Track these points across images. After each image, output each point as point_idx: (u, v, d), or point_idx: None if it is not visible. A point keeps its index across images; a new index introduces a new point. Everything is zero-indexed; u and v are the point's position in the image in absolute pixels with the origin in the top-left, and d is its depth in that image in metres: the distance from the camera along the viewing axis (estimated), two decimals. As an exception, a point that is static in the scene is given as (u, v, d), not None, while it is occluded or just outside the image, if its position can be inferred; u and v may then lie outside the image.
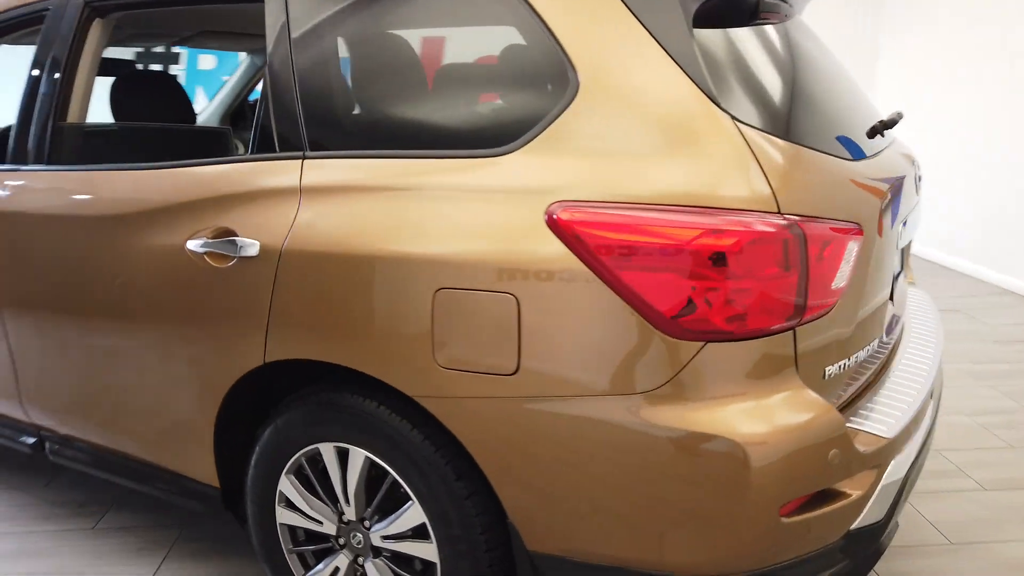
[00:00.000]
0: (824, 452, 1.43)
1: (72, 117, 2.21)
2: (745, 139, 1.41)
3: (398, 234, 1.57)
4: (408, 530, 1.73)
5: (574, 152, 1.45)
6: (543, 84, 1.52)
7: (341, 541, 1.86)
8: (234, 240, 1.75)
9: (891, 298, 1.89)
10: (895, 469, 1.57)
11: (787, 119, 1.52)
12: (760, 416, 1.39)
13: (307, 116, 1.76)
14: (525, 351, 1.46)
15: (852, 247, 1.49)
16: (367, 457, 1.73)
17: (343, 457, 1.78)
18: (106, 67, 2.94)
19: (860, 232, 1.52)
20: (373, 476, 1.77)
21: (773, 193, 1.39)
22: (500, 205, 1.48)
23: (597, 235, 1.38)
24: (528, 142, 1.49)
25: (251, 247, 1.74)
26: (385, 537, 1.78)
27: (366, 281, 1.60)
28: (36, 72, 2.25)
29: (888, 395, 1.73)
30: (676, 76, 1.43)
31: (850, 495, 1.50)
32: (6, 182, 2.23)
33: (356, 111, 1.76)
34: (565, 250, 1.40)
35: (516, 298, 1.45)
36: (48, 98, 2.21)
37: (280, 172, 1.76)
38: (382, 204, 1.61)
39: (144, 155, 2.06)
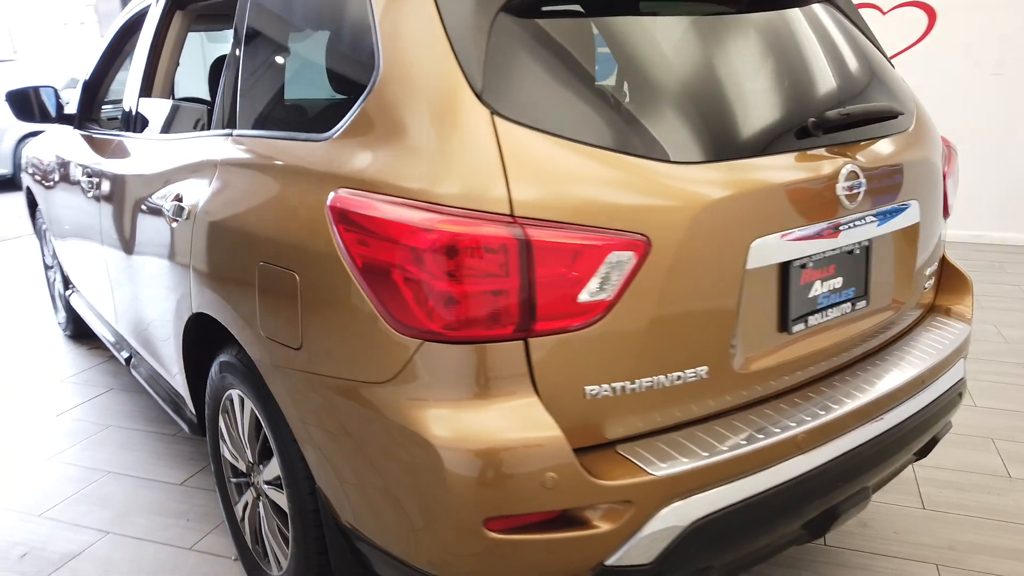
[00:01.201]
0: (538, 473, 1.34)
1: (154, 94, 2.69)
2: (497, 137, 1.35)
3: (247, 208, 1.75)
4: (273, 478, 1.92)
5: (370, 140, 1.49)
6: (362, 74, 1.58)
7: (251, 479, 2.11)
8: (181, 204, 2.07)
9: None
10: (675, 513, 1.41)
11: (576, 118, 1.41)
12: (466, 423, 1.34)
13: (237, 100, 2.00)
14: (304, 329, 1.56)
15: (618, 259, 1.35)
16: (252, 408, 1.94)
17: (243, 405, 2.02)
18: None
19: (640, 244, 1.36)
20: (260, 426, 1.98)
21: (509, 195, 1.32)
22: (308, 186, 1.58)
23: (347, 225, 1.43)
24: (340, 129, 1.57)
25: (184, 211, 2.04)
26: (265, 482, 1.99)
27: (230, 249, 1.80)
28: (136, 57, 2.77)
29: (723, 433, 1.52)
30: (451, 69, 1.41)
31: (598, 528, 1.39)
32: (88, 146, 2.80)
33: (259, 98, 1.95)
34: (331, 236, 1.48)
35: (297, 277, 1.56)
36: (137, 78, 2.71)
37: (214, 147, 2.03)
38: (246, 180, 1.80)
39: (191, 127, 2.44)
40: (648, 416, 1.48)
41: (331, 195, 1.48)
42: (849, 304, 1.77)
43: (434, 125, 1.39)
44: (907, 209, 1.83)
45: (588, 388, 1.40)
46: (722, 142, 1.51)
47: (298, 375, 1.61)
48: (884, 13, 6.03)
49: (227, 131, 1.99)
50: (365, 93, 1.52)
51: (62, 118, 3.31)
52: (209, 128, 2.12)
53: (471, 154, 1.34)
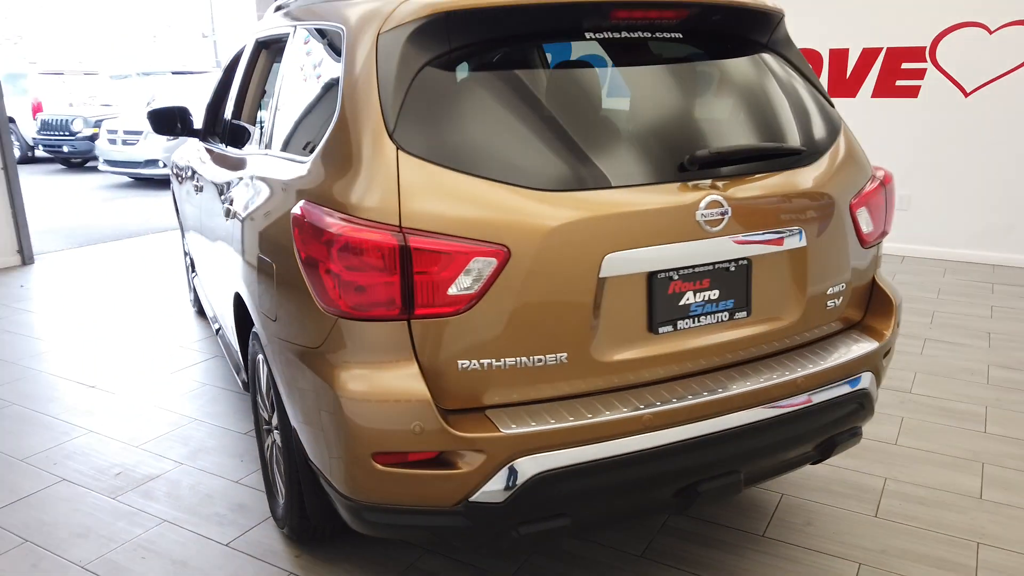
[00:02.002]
0: (407, 422, 1.77)
1: (241, 116, 3.35)
2: (398, 167, 1.80)
3: (256, 209, 2.30)
4: (276, 424, 2.47)
5: (327, 164, 1.98)
6: (330, 113, 2.07)
7: (273, 424, 2.67)
8: (231, 206, 2.67)
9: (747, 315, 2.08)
10: (522, 465, 1.79)
11: (466, 154, 1.82)
12: (361, 381, 1.80)
13: (272, 126, 2.57)
14: (277, 305, 2.09)
15: (479, 263, 1.76)
16: (269, 369, 2.50)
17: (264, 366, 2.58)
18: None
19: (500, 252, 1.76)
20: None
21: (399, 211, 1.77)
22: (290, 196, 2.09)
23: (299, 228, 1.93)
24: (315, 154, 2.07)
25: (231, 211, 2.64)
26: (274, 427, 2.54)
27: (247, 242, 2.36)
28: (234, 84, 3.45)
29: (589, 410, 1.87)
30: (376, 114, 1.87)
31: (460, 470, 1.80)
32: (203, 155, 3.50)
33: (280, 125, 2.51)
34: (291, 233, 1.98)
35: (275, 266, 2.08)
36: (232, 102, 3.38)
37: (253, 161, 2.62)
38: (262, 188, 2.36)
39: (248, 144, 3.06)
40: (516, 389, 1.87)
41: (298, 204, 1.98)
42: (726, 314, 2.06)
43: (360, 155, 1.86)
44: (788, 235, 2.09)
45: (460, 362, 1.82)
46: (585, 174, 1.87)
47: (275, 340, 2.14)
48: (991, 32, 5.85)
49: (264, 150, 2.56)
50: (330, 127, 2.01)
51: (191, 132, 4.08)
52: (258, 147, 2.71)
53: (378, 178, 1.80)
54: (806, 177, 2.15)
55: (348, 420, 1.81)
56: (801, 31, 6.46)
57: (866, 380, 2.25)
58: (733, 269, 2.05)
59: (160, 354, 4.47)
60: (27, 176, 13.56)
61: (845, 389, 2.19)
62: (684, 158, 1.96)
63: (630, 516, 2.07)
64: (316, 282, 1.85)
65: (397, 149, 1.82)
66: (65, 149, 14.20)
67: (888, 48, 6.19)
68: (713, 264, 2.01)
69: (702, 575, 2.43)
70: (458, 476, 1.80)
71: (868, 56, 6.27)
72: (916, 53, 6.09)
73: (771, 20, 2.32)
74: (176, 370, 4.20)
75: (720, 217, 1.96)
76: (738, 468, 2.07)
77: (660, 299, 1.97)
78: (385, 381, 1.80)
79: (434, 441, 1.78)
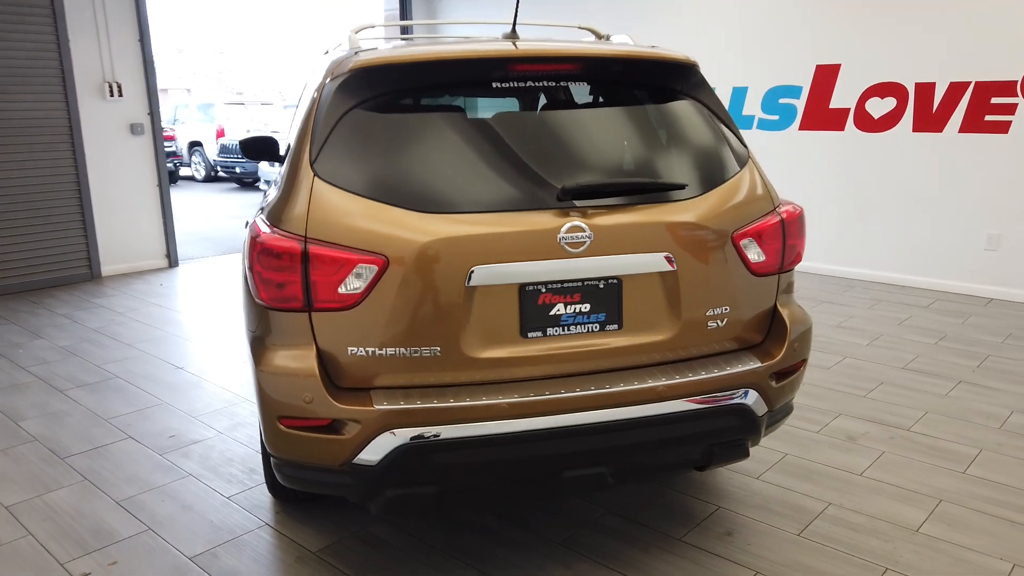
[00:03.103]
0: (300, 394, 2.21)
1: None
2: (312, 189, 2.27)
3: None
4: None
5: (280, 185, 2.49)
6: (288, 144, 2.59)
7: None
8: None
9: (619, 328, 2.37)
10: (391, 437, 2.18)
11: (365, 182, 2.25)
12: (273, 359, 2.27)
13: (285, 150, 3.14)
14: (244, 300, 2.62)
15: (362, 269, 2.18)
16: None
17: None
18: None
19: (379, 260, 2.18)
20: None
21: (307, 224, 2.23)
22: (258, 212, 2.63)
23: (250, 236, 2.44)
24: (279, 177, 2.59)
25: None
26: None
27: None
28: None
29: (465, 397, 2.24)
30: (306, 146, 2.35)
31: (344, 436, 2.22)
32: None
33: (286, 150, 3.05)
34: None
35: (245, 270, 2.62)
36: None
37: (273, 174, 3.19)
38: (262, 200, 2.91)
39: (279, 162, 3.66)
40: (398, 374, 2.27)
41: (252, 218, 2.50)
42: (597, 325, 2.36)
43: (293, 180, 2.35)
44: (656, 260, 2.35)
45: (350, 349, 2.25)
46: (460, 200, 2.25)
47: (246, 327, 2.67)
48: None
49: (279, 168, 3.13)
50: (287, 157, 2.53)
51: (277, 158, 4.79)
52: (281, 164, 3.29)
53: (298, 199, 2.28)
54: (684, 209, 2.40)
55: (262, 389, 2.29)
56: (885, 65, 6.38)
57: (747, 397, 2.45)
58: (603, 286, 2.34)
59: (241, 345, 5.21)
60: (205, 192, 15.46)
61: (718, 402, 2.40)
62: (559, 189, 2.30)
63: (501, 495, 2.40)
64: (252, 279, 2.35)
65: (314, 176, 2.29)
66: (237, 170, 16.07)
67: (977, 82, 5.98)
68: (582, 281, 2.32)
69: (610, 567, 2.69)
70: (342, 441, 2.23)
71: (956, 90, 6.08)
72: (1007, 87, 5.85)
73: (680, 69, 2.60)
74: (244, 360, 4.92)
75: (582, 240, 2.27)
76: (604, 462, 2.35)
77: (530, 308, 2.30)
78: (288, 360, 2.27)
79: (320, 410, 2.22)
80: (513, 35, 2.70)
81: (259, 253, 2.27)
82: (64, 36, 6.78)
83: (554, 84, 2.49)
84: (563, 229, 2.27)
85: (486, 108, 2.49)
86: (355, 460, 2.24)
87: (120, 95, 7.19)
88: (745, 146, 2.65)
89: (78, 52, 6.89)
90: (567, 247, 2.27)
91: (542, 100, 2.50)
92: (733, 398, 2.43)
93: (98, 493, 3.25)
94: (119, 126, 7.27)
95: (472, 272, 2.23)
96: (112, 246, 7.40)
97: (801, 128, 6.94)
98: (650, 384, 2.34)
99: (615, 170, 2.43)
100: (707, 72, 7.45)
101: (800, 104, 6.91)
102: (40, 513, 3.09)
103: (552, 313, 2.33)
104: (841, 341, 5.13)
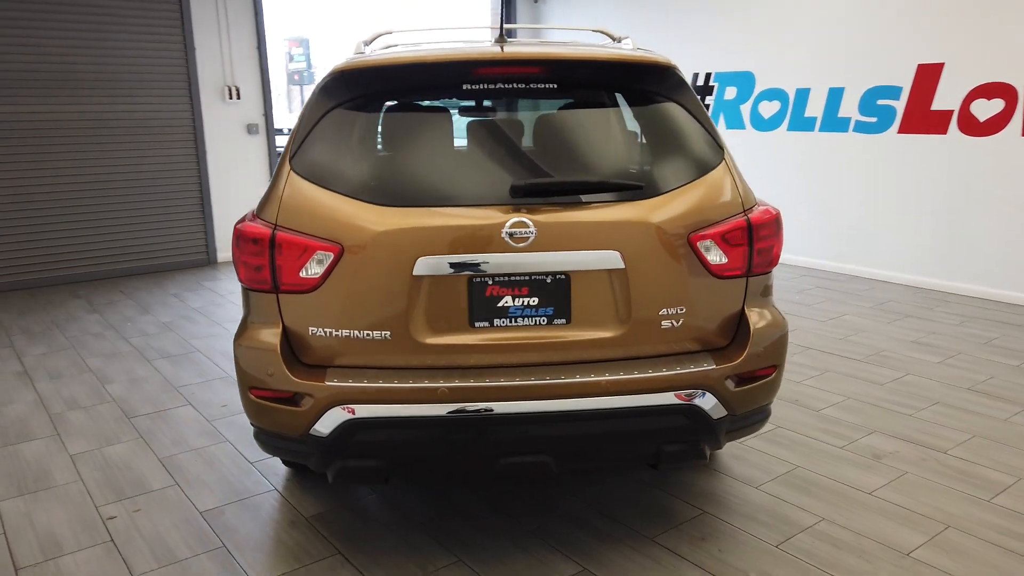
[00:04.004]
0: (264, 367, 2.43)
1: None
2: (286, 182, 2.49)
3: None
4: None
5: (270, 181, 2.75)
6: None
7: None
8: None
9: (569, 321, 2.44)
10: (338, 412, 2.36)
11: (331, 176, 2.44)
12: (247, 335, 2.51)
13: None
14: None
15: (320, 255, 2.37)
16: None
17: None
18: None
19: (335, 248, 2.36)
20: None
21: (277, 213, 2.46)
22: None
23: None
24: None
25: None
26: None
27: None
28: None
29: (409, 379, 2.38)
30: (292, 142, 2.58)
31: (301, 408, 2.43)
32: None
33: None
34: None
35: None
36: None
37: None
38: None
39: None
40: (353, 355, 2.45)
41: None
42: (545, 319, 2.43)
43: (277, 174, 2.58)
44: (602, 257, 2.39)
45: (311, 328, 2.45)
46: (413, 195, 2.39)
47: None
48: None
49: None
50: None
51: None
52: None
53: (276, 191, 2.51)
54: (637, 209, 2.43)
55: (236, 361, 2.54)
56: (992, 64, 5.92)
57: (701, 399, 2.44)
58: (550, 281, 2.42)
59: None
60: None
61: (663, 401, 2.41)
62: (511, 187, 2.39)
63: (445, 475, 2.52)
64: (236, 263, 2.61)
65: (290, 170, 2.51)
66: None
67: (1097, 82, 5.41)
68: (530, 275, 2.41)
69: (571, 558, 2.75)
70: (300, 413, 2.43)
71: (1073, 91, 5.53)
72: None
73: (654, 71, 2.61)
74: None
75: (526, 236, 2.36)
76: (543, 452, 2.42)
77: (478, 299, 2.41)
78: (258, 336, 2.50)
79: (280, 383, 2.43)
80: (502, 39, 2.82)
81: (238, 238, 2.51)
82: (191, 44, 7.51)
83: (523, 86, 2.58)
84: (507, 224, 2.36)
85: (458, 109, 2.63)
86: (311, 431, 2.43)
87: (238, 98, 7.87)
88: (721, 148, 2.63)
89: (203, 58, 7.61)
90: (511, 241, 2.36)
91: (512, 102, 2.60)
92: (682, 398, 2.43)
93: (147, 450, 3.65)
94: (237, 126, 7.95)
95: (418, 262, 2.37)
96: (228, 235, 8.09)
97: (900, 131, 6.53)
98: (593, 378, 2.39)
99: (571, 170, 2.49)
100: (798, 73, 7.18)
101: (900, 106, 6.50)
102: (95, 463, 3.53)
103: (500, 305, 2.43)
104: (909, 357, 4.83)
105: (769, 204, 2.69)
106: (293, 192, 2.48)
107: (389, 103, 2.62)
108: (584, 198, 2.42)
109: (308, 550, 2.82)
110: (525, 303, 2.44)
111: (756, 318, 2.56)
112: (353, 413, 2.37)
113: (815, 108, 7.17)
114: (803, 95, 7.26)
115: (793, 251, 7.50)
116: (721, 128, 7.93)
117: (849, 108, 6.90)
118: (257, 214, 2.53)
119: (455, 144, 2.53)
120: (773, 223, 2.59)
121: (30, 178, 6.92)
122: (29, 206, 6.96)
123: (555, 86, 2.61)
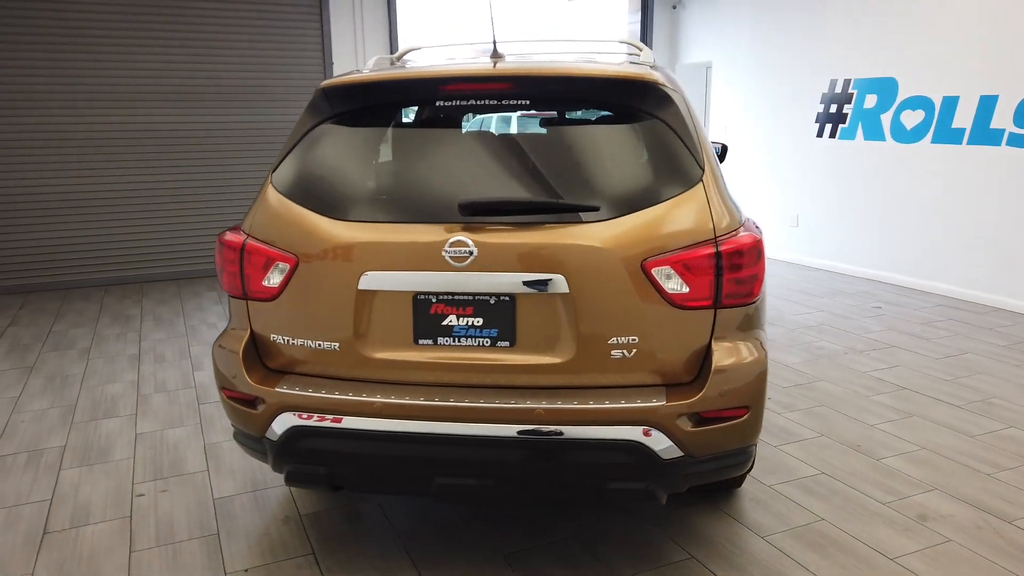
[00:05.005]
0: (229, 370, 2.56)
1: None
2: (265, 196, 2.61)
3: None
4: None
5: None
6: None
7: None
8: None
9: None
10: (285, 417, 2.45)
11: (300, 190, 2.53)
12: (223, 340, 2.65)
13: None
14: None
15: (280, 265, 2.46)
16: None
17: None
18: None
19: (291, 259, 2.44)
20: None
21: (252, 224, 2.59)
22: None
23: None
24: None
25: None
26: None
27: None
28: None
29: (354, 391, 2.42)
30: (279, 157, 2.71)
31: (257, 411, 2.53)
32: None
33: None
34: None
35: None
36: None
37: None
38: None
39: None
40: (309, 363, 2.52)
41: None
42: (488, 340, 2.37)
43: (261, 188, 2.72)
44: (544, 281, 2.28)
45: (272, 335, 2.56)
46: (363, 210, 2.43)
47: None
48: None
49: None
50: None
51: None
52: None
53: (255, 203, 2.65)
54: (585, 232, 2.30)
55: (213, 361, 2.70)
56: None
57: (649, 437, 2.27)
58: (494, 303, 2.35)
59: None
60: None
61: (602, 435, 2.27)
62: (456, 204, 2.36)
63: (384, 487, 2.52)
64: (220, 273, 2.77)
65: (270, 184, 2.64)
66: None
67: None
68: (473, 295, 2.36)
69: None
70: (256, 415, 2.55)
71: None
72: None
73: (633, 87, 2.47)
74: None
75: (466, 255, 2.31)
76: (477, 476, 2.36)
77: (422, 316, 2.40)
78: (228, 339, 2.64)
79: (239, 385, 2.56)
80: (496, 55, 2.78)
81: (219, 246, 2.67)
82: (329, 60, 8.04)
83: (495, 103, 2.53)
84: (447, 244, 2.33)
85: (431, 126, 2.63)
86: (267, 434, 2.54)
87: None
88: (702, 168, 2.43)
89: (340, 72, 8.12)
90: (451, 261, 2.33)
91: (486, 119, 2.56)
92: (628, 436, 2.28)
93: (199, 436, 3.97)
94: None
95: (363, 277, 2.40)
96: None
97: (1060, 146, 5.67)
98: (528, 405, 2.30)
99: (525, 189, 2.41)
100: (946, 79, 6.43)
101: (1060, 117, 5.65)
102: (152, 443, 3.89)
103: (444, 323, 2.40)
104: (1022, 408, 4.19)
105: (755, 229, 2.46)
106: (266, 205, 2.59)
107: (363, 120, 2.67)
108: (529, 219, 2.34)
109: (286, 547, 2.94)
110: (469, 323, 2.39)
111: (723, 354, 2.35)
112: (302, 419, 2.45)
113: (964, 118, 6.40)
114: (951, 104, 6.50)
115: (923, 275, 6.75)
116: (858, 140, 7.28)
117: (1003, 119, 6.09)
118: (240, 225, 2.68)
119: (416, 161, 2.53)
120: (750, 251, 2.35)
121: (198, 181, 7.78)
122: (190, 206, 7.80)
123: (527, 102, 2.54)
